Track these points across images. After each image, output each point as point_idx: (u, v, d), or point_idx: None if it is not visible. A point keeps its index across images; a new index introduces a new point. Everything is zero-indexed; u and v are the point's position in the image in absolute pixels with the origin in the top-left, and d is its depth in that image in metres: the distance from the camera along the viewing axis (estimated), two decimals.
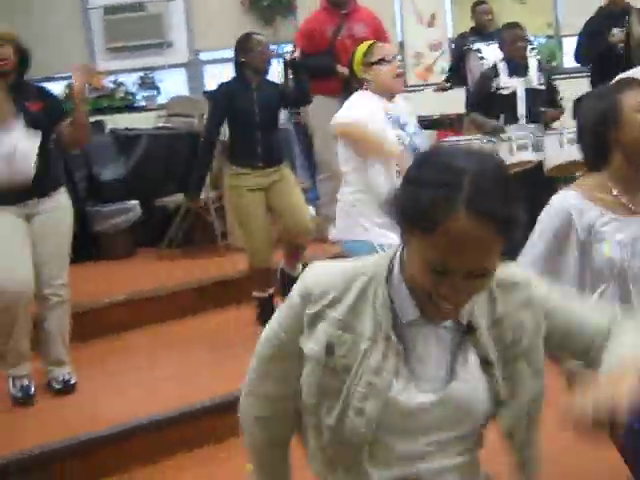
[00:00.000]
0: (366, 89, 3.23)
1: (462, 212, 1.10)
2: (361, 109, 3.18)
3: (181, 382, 3.47)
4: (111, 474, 2.93)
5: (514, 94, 4.81)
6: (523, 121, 4.79)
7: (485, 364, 1.27)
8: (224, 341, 3.95)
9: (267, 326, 1.39)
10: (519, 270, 1.37)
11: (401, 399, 1.24)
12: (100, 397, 3.41)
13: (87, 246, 5.26)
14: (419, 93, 7.16)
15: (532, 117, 4.81)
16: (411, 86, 7.27)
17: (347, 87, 3.44)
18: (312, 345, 1.27)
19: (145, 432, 3.06)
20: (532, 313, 1.29)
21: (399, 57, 3.28)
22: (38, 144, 1.85)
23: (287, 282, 4.18)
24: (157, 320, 4.33)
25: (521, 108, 4.80)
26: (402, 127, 3.15)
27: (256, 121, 4.10)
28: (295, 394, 1.35)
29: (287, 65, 4.61)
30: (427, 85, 7.39)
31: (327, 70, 4.95)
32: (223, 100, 4.16)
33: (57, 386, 3.45)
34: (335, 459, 1.31)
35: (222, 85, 4.30)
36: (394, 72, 3.21)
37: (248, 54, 4.11)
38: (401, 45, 7.55)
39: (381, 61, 3.20)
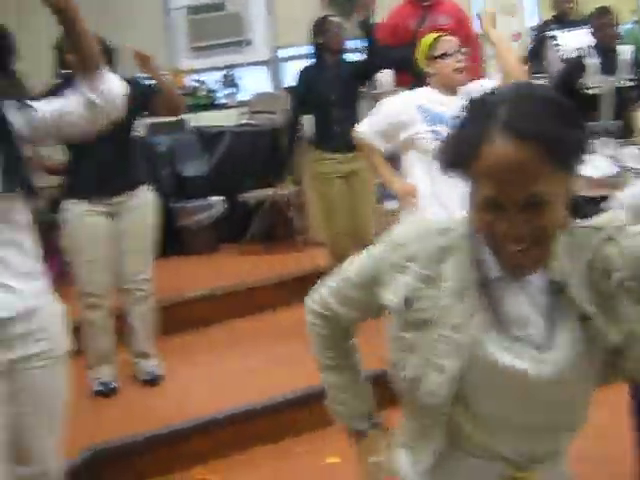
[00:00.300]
0: (428, 83, 3.24)
1: (499, 135, 1.08)
2: (381, 117, 3.26)
3: (261, 376, 3.53)
4: (194, 464, 3.00)
5: (596, 96, 4.46)
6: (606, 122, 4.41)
7: (583, 320, 1.18)
8: (304, 336, 3.99)
9: (345, 268, 1.39)
10: (605, 215, 1.26)
11: (489, 359, 1.18)
12: (184, 388, 3.50)
13: (172, 241, 5.40)
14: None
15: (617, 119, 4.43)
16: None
17: (418, 80, 3.43)
18: (391, 297, 1.24)
19: (227, 424, 3.13)
20: (615, 245, 1.19)
21: (463, 50, 3.23)
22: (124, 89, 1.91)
23: None
24: (239, 314, 4.42)
25: (606, 112, 4.45)
26: (446, 123, 3.07)
27: (334, 101, 4.15)
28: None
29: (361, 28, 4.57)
30: None
31: (409, 62, 4.92)
32: (302, 85, 4.26)
33: (144, 377, 3.57)
34: (419, 421, 1.26)
35: (301, 71, 4.37)
36: (454, 66, 3.17)
37: (324, 35, 4.17)
38: (482, 36, 7.43)
39: (443, 55, 3.18)
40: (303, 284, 4.58)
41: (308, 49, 4.47)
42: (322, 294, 1.45)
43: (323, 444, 2.71)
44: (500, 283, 1.20)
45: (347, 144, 4.09)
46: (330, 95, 4.16)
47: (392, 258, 1.26)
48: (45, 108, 1.92)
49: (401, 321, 1.23)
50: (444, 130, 3.04)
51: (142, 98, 3.39)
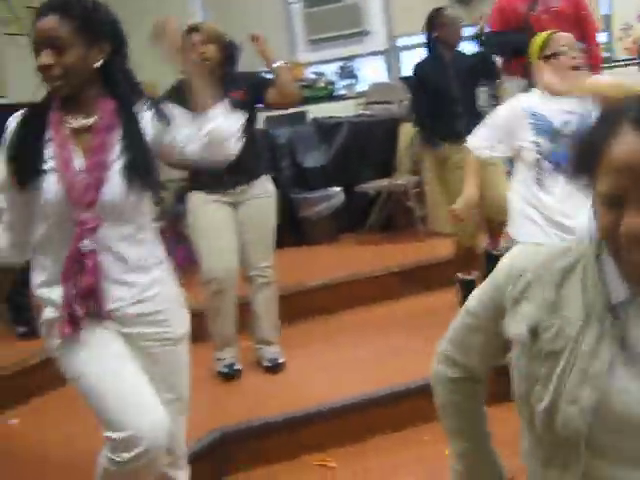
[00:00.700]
0: (535, 85, 3.11)
1: (629, 130, 1.05)
2: (492, 127, 3.16)
3: (383, 363, 3.53)
4: (318, 450, 3.04)
5: None
6: None
7: None
8: (425, 324, 3.96)
9: (468, 299, 1.36)
10: None
11: (621, 389, 1.13)
12: (307, 376, 3.56)
13: (292, 232, 5.50)
14: (622, 69, 6.69)
15: None
16: (615, 61, 6.82)
17: (527, 70, 3.31)
18: (515, 328, 1.21)
19: (348, 412, 3.15)
20: None
21: (580, 46, 3.07)
22: (239, 126, 1.95)
23: (491, 263, 4.14)
24: (358, 303, 4.44)
25: None
26: (551, 134, 2.95)
27: (454, 95, 4.09)
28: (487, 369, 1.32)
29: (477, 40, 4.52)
30: (634, 60, 6.89)
31: (521, 48, 4.76)
32: (417, 81, 4.20)
33: (266, 364, 3.65)
34: (551, 456, 1.22)
35: (416, 66, 4.32)
36: (568, 65, 2.99)
37: (440, 29, 4.09)
38: (608, 17, 7.10)
39: (555, 55, 3.00)
40: (425, 273, 4.60)
41: (423, 41, 4.42)
42: (445, 344, 1.42)
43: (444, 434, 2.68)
44: (627, 306, 1.15)
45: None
46: (452, 92, 4.10)
47: (512, 287, 1.23)
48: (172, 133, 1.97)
49: (526, 352, 1.20)
50: (546, 142, 2.94)
51: (259, 90, 3.47)
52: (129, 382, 1.89)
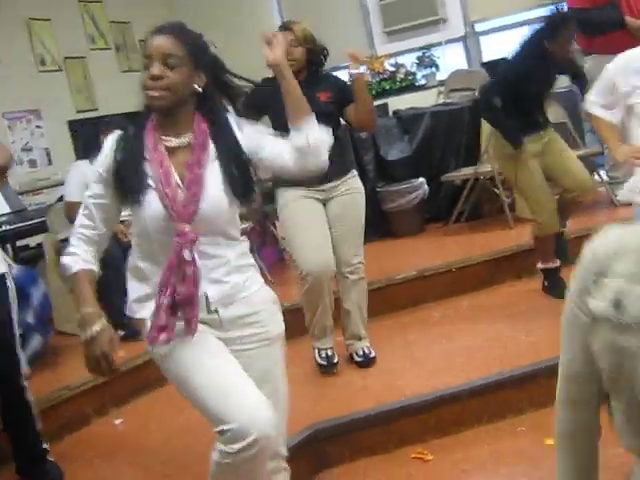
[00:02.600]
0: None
1: None
2: (602, 86, 3.16)
3: (476, 354, 3.49)
4: (413, 443, 3.03)
5: None
6: None
7: None
8: (517, 313, 3.91)
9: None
10: None
11: None
12: (399, 368, 3.55)
13: (378, 225, 5.50)
14: None
15: None
16: None
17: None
18: (598, 302, 1.20)
19: (445, 403, 3.12)
20: None
21: None
22: (329, 135, 2.00)
23: (560, 242, 4.16)
24: (448, 294, 4.41)
25: None
26: None
27: (545, 92, 4.02)
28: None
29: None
30: None
31: (614, 23, 4.60)
32: (512, 83, 3.96)
33: (358, 359, 3.66)
34: None
35: (518, 68, 4.00)
36: None
37: (555, 42, 3.84)
38: None
39: None
40: (514, 261, 4.52)
41: (504, 21, 4.23)
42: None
43: (544, 424, 2.64)
44: None
45: (545, 126, 4.07)
46: (546, 88, 4.04)
47: (595, 270, 1.22)
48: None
49: (610, 327, 1.19)
50: None
51: (343, 101, 3.48)
52: (232, 378, 1.95)
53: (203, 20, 8.35)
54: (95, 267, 2.02)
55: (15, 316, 3.02)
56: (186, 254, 1.92)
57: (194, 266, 1.94)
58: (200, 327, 1.98)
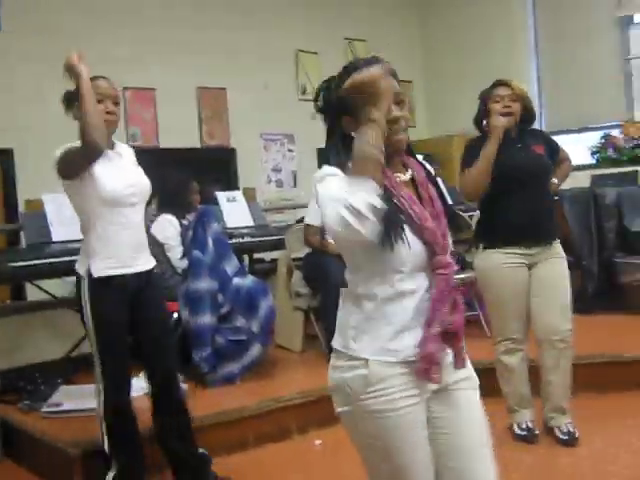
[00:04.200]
0: None
1: None
2: None
3: None
4: None
5: None
6: None
7: None
8: None
9: None
10: None
11: None
12: (612, 453, 3.32)
13: (612, 298, 5.19)
14: None
15: None
16: None
17: None
18: None
19: None
20: None
21: None
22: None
23: None
24: None
25: None
26: None
27: None
28: None
29: None
30: None
31: None
32: None
33: (562, 437, 3.46)
34: None
35: None
36: None
37: None
38: None
39: None
40: None
41: None
42: None
43: None
44: None
45: None
46: None
47: None
48: None
49: None
50: None
51: (552, 157, 3.52)
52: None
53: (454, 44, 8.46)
54: None
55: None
56: (453, 283, 1.85)
57: (459, 297, 1.88)
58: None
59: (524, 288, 3.43)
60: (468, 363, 1.96)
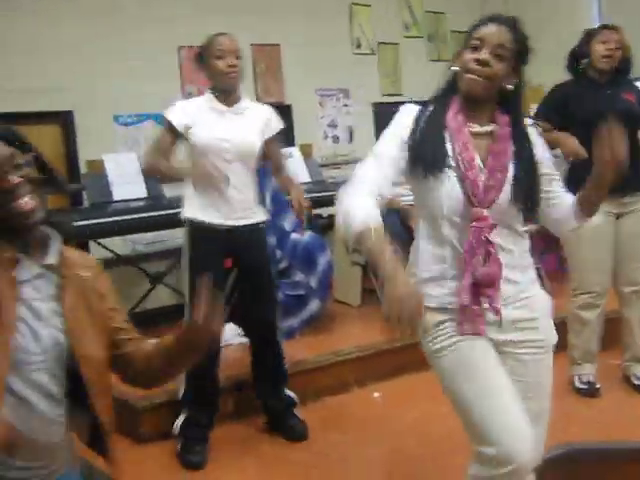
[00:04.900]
0: None
1: None
2: None
3: None
4: None
5: None
6: None
7: None
8: None
9: None
10: None
11: None
12: None
13: None
14: None
15: None
16: None
17: None
18: None
19: None
20: None
21: None
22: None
23: None
24: None
25: None
26: None
27: None
28: None
29: None
30: None
31: None
32: None
33: (635, 382, 3.49)
34: None
35: None
36: None
37: None
38: None
39: None
40: None
41: None
42: None
43: None
44: None
45: None
46: None
47: None
48: None
49: None
50: None
51: None
52: (503, 399, 1.89)
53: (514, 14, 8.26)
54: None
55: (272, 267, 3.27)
56: (487, 237, 1.89)
57: (496, 248, 1.90)
58: (482, 329, 1.92)
59: (608, 238, 3.36)
60: (541, 324, 2.00)
